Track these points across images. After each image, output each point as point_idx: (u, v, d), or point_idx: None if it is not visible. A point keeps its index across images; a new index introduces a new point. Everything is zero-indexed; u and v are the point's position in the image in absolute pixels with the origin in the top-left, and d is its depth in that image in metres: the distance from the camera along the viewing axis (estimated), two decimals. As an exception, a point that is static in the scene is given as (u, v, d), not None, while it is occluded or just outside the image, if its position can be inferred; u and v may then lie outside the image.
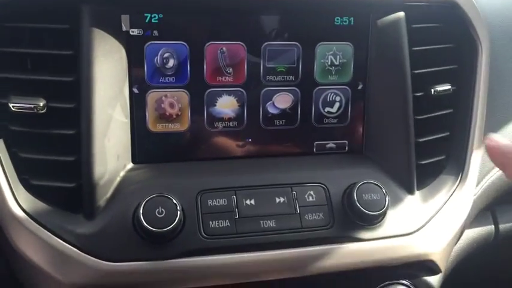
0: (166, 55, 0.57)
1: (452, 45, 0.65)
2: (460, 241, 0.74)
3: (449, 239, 0.62)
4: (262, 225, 0.55)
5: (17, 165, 0.54)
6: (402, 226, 0.59)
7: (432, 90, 0.63)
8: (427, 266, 0.62)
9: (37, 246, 0.52)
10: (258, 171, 0.59)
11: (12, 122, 0.53)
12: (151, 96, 0.58)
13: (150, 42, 0.57)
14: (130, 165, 0.58)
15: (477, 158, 0.66)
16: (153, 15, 0.56)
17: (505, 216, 0.79)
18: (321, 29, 0.61)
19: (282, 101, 0.62)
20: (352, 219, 0.57)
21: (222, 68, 0.59)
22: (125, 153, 0.57)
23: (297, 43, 0.61)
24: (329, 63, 0.62)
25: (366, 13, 0.62)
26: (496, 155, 0.48)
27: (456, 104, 0.66)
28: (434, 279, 0.72)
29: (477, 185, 0.69)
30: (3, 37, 0.53)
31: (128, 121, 0.57)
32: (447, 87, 0.64)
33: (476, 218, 0.73)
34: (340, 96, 0.63)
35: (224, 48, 0.59)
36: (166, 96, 0.58)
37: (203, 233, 0.53)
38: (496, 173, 0.71)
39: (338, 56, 0.62)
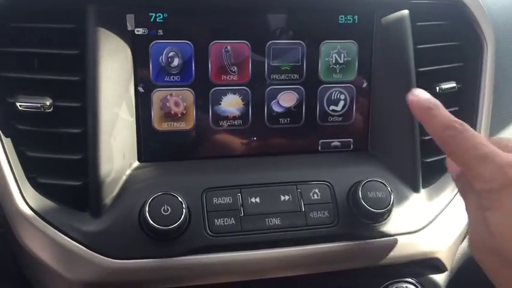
0: (171, 54, 0.58)
1: (457, 43, 0.65)
2: (466, 239, 0.73)
3: (455, 237, 0.62)
4: (267, 223, 0.55)
5: (24, 163, 0.54)
6: (407, 224, 0.59)
7: (437, 88, 0.63)
8: (433, 264, 0.62)
9: (44, 243, 0.52)
10: (263, 169, 0.59)
11: (19, 121, 0.54)
12: (157, 95, 0.58)
13: (155, 42, 0.57)
14: (136, 163, 0.59)
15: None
16: (158, 15, 0.57)
17: None
18: (325, 28, 0.61)
19: (287, 99, 0.62)
20: (357, 217, 0.57)
21: (227, 66, 0.59)
22: (130, 151, 0.58)
23: (301, 41, 0.61)
24: (333, 61, 0.62)
25: (370, 11, 0.62)
26: (417, 110, 0.48)
27: (461, 102, 0.66)
28: (440, 278, 0.72)
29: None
30: (10, 37, 0.53)
31: (133, 120, 0.58)
32: (452, 85, 0.64)
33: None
34: (344, 94, 0.63)
35: (229, 47, 0.59)
36: (171, 95, 0.59)
37: (208, 231, 0.53)
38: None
39: (342, 54, 0.62)
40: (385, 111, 0.63)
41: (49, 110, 0.53)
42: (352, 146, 0.65)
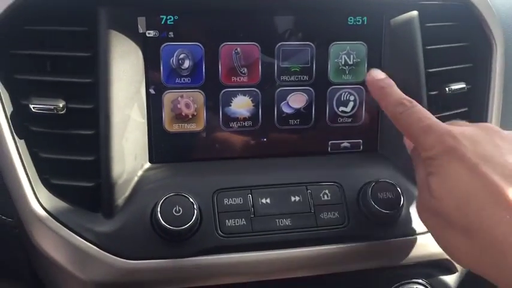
0: (181, 56, 0.58)
1: (466, 43, 0.65)
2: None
3: (465, 238, 0.62)
4: (277, 224, 0.55)
5: (37, 165, 0.55)
6: (418, 225, 0.59)
7: (447, 89, 0.63)
8: (443, 265, 0.62)
9: (57, 244, 0.53)
10: (273, 170, 0.60)
11: (32, 123, 0.54)
12: (168, 97, 0.59)
13: (166, 44, 0.58)
14: (147, 164, 0.59)
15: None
16: (168, 17, 0.57)
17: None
18: (335, 29, 0.61)
19: (297, 100, 0.62)
20: (368, 218, 0.57)
21: (237, 68, 0.60)
22: (142, 153, 0.58)
23: (311, 43, 0.61)
24: (343, 62, 0.62)
25: (379, 12, 0.62)
26: (373, 88, 0.55)
27: (471, 103, 0.66)
28: (451, 279, 0.72)
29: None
30: (23, 40, 0.54)
31: (144, 121, 0.58)
32: (462, 85, 0.64)
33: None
34: (354, 95, 0.64)
35: (239, 49, 0.59)
36: (182, 96, 0.59)
37: (220, 232, 0.54)
38: None
39: (352, 56, 0.62)
40: (394, 112, 0.63)
41: (62, 112, 0.54)
42: (361, 147, 0.65)
